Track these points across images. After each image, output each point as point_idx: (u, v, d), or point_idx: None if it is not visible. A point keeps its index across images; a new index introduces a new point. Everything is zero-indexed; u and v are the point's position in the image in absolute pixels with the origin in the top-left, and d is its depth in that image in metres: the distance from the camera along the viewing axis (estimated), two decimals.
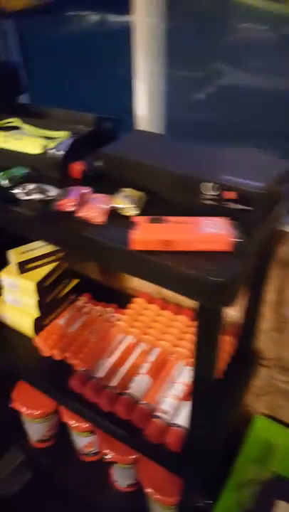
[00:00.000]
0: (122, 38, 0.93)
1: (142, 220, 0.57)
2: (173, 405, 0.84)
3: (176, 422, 0.81)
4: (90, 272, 1.28)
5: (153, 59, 0.90)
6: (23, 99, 1.15)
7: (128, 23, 0.90)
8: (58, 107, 0.91)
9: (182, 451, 0.78)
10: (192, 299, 0.55)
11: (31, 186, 0.67)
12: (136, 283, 1.17)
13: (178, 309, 1.07)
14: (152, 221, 0.57)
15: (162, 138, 0.88)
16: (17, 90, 1.03)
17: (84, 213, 0.63)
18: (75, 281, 1.16)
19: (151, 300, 1.11)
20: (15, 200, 0.66)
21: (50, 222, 0.64)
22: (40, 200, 0.66)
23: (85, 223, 0.62)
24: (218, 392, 0.70)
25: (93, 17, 0.99)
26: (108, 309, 1.11)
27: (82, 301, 1.14)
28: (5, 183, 0.68)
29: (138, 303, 1.10)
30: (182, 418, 0.82)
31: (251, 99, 0.88)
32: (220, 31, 0.87)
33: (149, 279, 0.57)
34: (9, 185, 0.69)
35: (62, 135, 0.79)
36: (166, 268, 0.53)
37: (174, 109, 0.97)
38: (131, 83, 0.93)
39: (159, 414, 0.82)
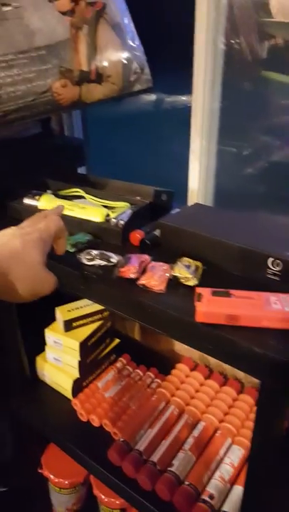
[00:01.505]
0: (177, 117, 1.01)
1: (206, 292, 0.58)
2: (220, 488, 0.78)
3: (223, 508, 0.75)
4: (129, 331, 1.27)
5: (206, 136, 0.96)
6: (82, 170, 1.24)
7: (183, 103, 0.98)
8: (115, 179, 0.96)
9: None
10: (257, 378, 0.53)
11: (95, 252, 0.70)
12: (177, 346, 1.15)
13: (223, 379, 1.03)
14: (217, 294, 0.57)
15: (218, 210, 0.91)
16: (78, 163, 1.12)
17: (145, 281, 0.65)
18: (116, 341, 1.15)
19: (194, 367, 1.07)
20: (80, 265, 0.69)
21: (114, 288, 0.66)
22: (102, 266, 0.69)
23: (146, 291, 0.63)
24: (274, 476, 0.65)
25: (153, 98, 1.09)
26: (148, 373, 1.08)
27: (122, 362, 1.13)
28: (70, 248, 0.72)
29: (180, 369, 1.06)
30: (230, 504, 0.75)
31: None
32: (267, 109, 0.93)
33: (212, 354, 0.56)
34: (74, 250, 0.72)
35: (122, 205, 0.84)
36: (232, 343, 0.53)
37: (225, 183, 1.02)
38: (184, 159, 0.99)
39: (205, 497, 0.76)
